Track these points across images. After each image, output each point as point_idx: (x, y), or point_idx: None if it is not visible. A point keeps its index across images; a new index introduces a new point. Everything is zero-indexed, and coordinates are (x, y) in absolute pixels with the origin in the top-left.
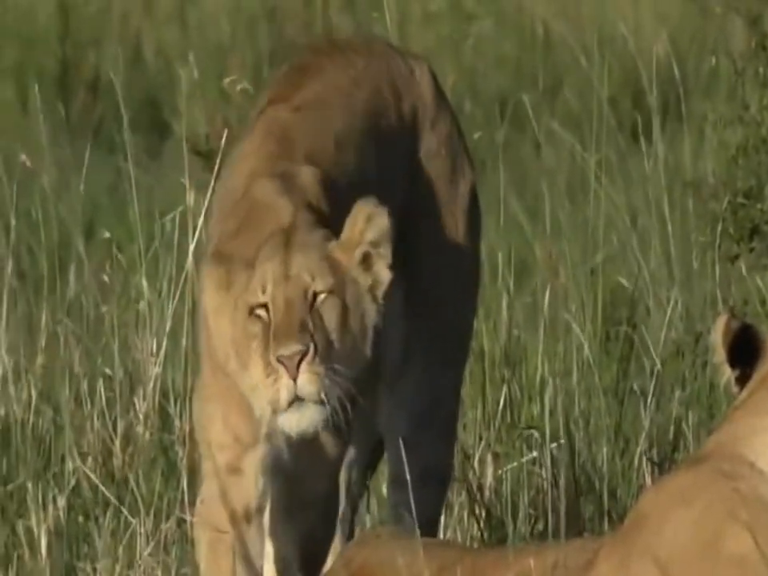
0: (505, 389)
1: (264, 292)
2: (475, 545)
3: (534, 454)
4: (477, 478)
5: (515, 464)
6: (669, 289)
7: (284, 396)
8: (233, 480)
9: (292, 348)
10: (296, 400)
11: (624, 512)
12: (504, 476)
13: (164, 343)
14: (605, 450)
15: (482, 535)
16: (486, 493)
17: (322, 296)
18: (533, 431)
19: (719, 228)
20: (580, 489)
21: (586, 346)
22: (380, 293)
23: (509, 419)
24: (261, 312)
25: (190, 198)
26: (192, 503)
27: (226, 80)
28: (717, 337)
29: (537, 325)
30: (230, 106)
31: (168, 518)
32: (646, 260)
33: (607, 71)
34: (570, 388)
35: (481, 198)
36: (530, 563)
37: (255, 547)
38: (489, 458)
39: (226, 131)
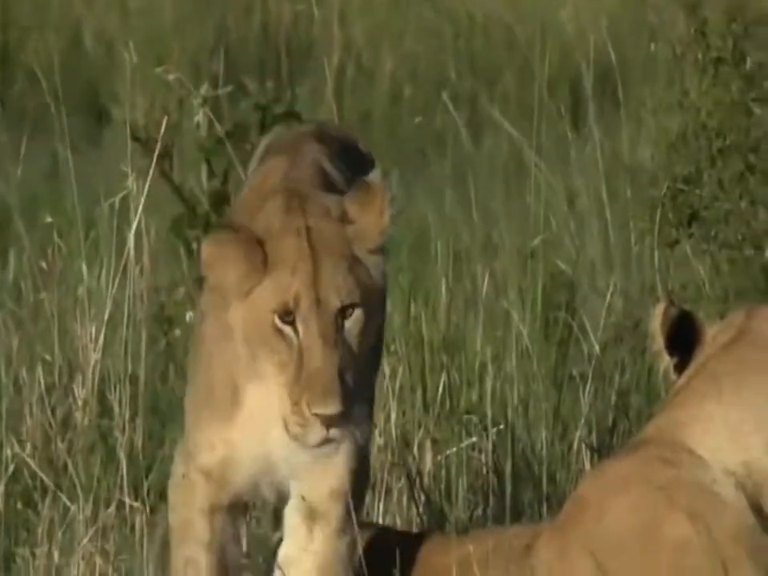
0: (444, 375)
1: (296, 306)
2: (414, 530)
3: (474, 439)
4: (416, 463)
5: (454, 449)
6: (607, 275)
7: (313, 440)
8: (201, 478)
9: (331, 410)
10: (325, 443)
11: (563, 497)
12: (443, 462)
13: (103, 329)
14: (544, 435)
15: (421, 521)
16: (426, 479)
17: (349, 311)
18: (472, 417)
19: (658, 214)
20: (519, 474)
21: (524, 332)
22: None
23: (448, 405)
24: (287, 330)
25: (131, 184)
26: (132, 489)
27: (159, 69)
28: (655, 324)
29: (476, 311)
30: (169, 93)
31: (107, 504)
32: (585, 246)
33: (546, 58)
34: (509, 373)
35: (421, 184)
36: (469, 548)
37: (225, 537)
38: (428, 443)
39: (165, 118)
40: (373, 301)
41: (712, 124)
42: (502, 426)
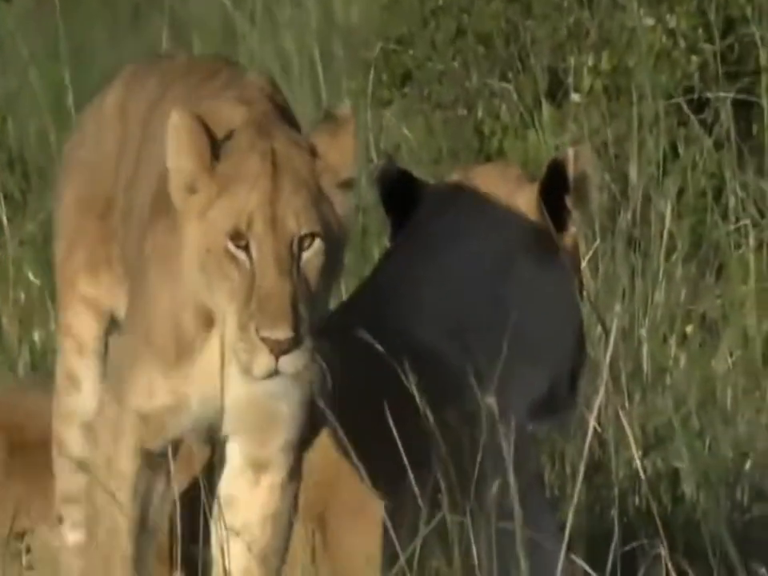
0: None
1: (249, 228)
2: None
3: None
4: None
5: None
6: None
7: (259, 370)
8: (135, 419)
9: (280, 334)
10: (274, 374)
11: None
12: None
13: None
14: None
15: None
16: None
17: (308, 241)
18: None
19: (371, 74)
20: None
21: None
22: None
23: None
24: (240, 254)
25: None
26: None
27: None
28: (374, 182)
29: None
30: None
31: None
32: (296, 108)
33: None
34: None
35: (133, 46)
36: None
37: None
38: None
39: None
40: (336, 239)
41: None
42: None
